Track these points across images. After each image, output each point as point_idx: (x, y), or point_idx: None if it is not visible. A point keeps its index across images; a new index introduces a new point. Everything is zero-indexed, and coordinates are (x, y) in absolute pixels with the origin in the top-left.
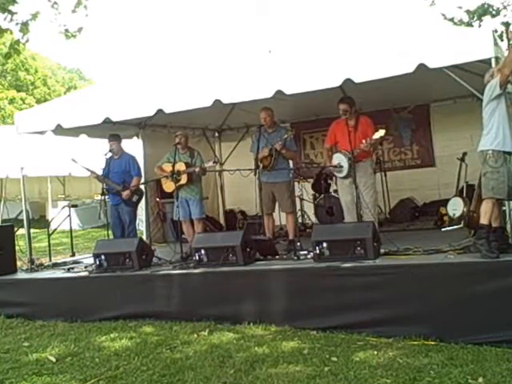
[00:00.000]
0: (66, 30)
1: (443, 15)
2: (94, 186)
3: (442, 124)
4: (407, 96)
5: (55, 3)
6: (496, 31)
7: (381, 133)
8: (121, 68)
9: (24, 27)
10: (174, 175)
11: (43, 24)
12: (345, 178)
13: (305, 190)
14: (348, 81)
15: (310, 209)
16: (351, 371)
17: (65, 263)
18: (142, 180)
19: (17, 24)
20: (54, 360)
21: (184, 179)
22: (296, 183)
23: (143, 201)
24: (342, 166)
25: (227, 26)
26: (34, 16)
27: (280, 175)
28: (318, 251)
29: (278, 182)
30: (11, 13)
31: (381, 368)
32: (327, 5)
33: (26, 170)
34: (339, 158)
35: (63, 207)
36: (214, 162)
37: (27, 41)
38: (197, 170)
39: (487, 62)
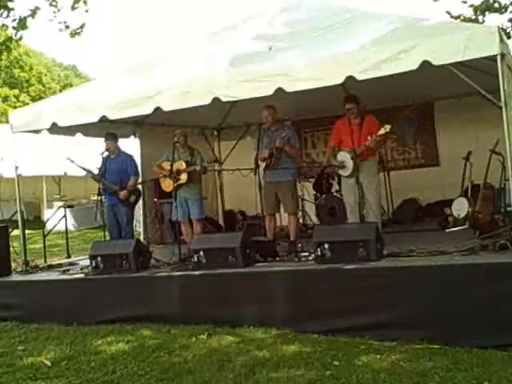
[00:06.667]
0: (67, 27)
1: (448, 13)
2: (89, 186)
3: (446, 122)
4: (411, 94)
5: (54, 0)
6: (503, 28)
7: (386, 128)
8: (118, 65)
9: (21, 24)
10: (173, 174)
11: (41, 21)
12: (349, 177)
13: (306, 190)
14: (350, 78)
15: (311, 209)
16: (353, 375)
17: (60, 265)
18: (140, 179)
19: (13, 20)
20: (49, 364)
21: (184, 178)
22: (297, 183)
23: (140, 201)
24: (344, 167)
25: (227, 22)
26: (33, 12)
27: (284, 174)
28: (319, 253)
29: (282, 181)
30: (8, 9)
31: (384, 372)
32: (329, 1)
33: (20, 169)
34: (344, 157)
35: (58, 208)
36: (215, 162)
37: (21, 38)
38: (197, 168)
39: (493, 58)
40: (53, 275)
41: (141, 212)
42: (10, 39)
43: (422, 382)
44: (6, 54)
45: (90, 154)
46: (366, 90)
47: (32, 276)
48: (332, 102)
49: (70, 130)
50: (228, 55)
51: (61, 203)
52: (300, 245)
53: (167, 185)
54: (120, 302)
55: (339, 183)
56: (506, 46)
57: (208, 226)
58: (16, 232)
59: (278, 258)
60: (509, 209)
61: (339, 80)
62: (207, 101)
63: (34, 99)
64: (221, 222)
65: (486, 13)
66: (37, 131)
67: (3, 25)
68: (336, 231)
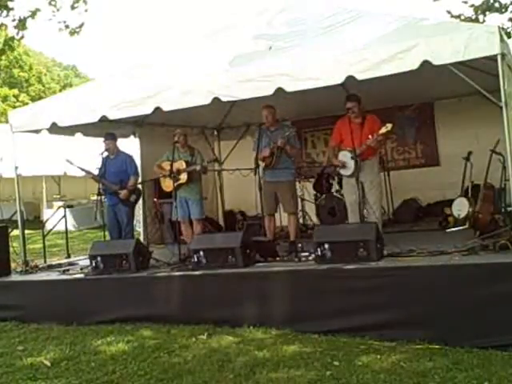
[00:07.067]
0: (67, 27)
1: (449, 12)
2: (89, 186)
3: (446, 122)
4: (411, 94)
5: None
6: (503, 27)
7: (388, 127)
8: (118, 64)
9: (21, 24)
10: (173, 174)
11: (40, 20)
12: (350, 176)
13: (306, 190)
14: (351, 78)
15: (311, 209)
16: (354, 376)
17: (60, 265)
18: (140, 179)
19: (13, 20)
20: (48, 364)
21: (184, 178)
22: (297, 183)
23: (140, 201)
24: (345, 167)
25: (227, 22)
26: (33, 13)
27: (283, 174)
28: (319, 253)
29: (282, 180)
30: (8, 8)
31: (384, 372)
32: (329, 1)
33: (20, 169)
34: (345, 156)
35: (58, 208)
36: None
37: (22, 37)
38: (198, 168)
39: (493, 58)
40: (52, 275)
41: (141, 212)
42: (12, 39)
43: (422, 382)
44: (8, 52)
45: (90, 154)
46: (366, 89)
47: (32, 276)
48: (332, 102)
49: (70, 130)
50: (228, 55)
51: (60, 203)
52: (300, 245)
53: (167, 185)
54: (120, 302)
55: (339, 183)
56: (506, 45)
57: (208, 226)
58: (16, 232)
59: (278, 258)
60: (509, 209)
61: (339, 80)
62: (207, 101)
63: (33, 99)
64: (221, 222)
65: (487, 12)
66: (36, 131)
67: (2, 24)
68: (336, 231)
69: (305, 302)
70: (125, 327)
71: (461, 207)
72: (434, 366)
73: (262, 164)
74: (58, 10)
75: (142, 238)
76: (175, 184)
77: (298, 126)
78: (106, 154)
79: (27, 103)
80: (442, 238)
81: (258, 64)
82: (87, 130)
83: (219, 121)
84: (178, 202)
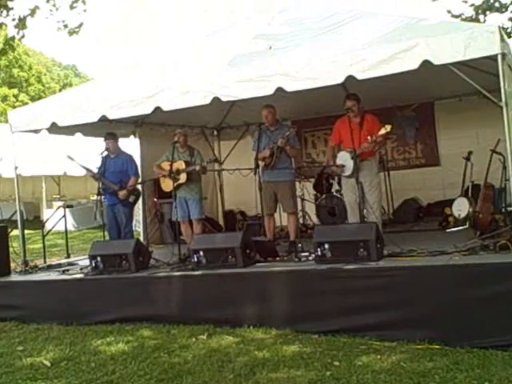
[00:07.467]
0: (65, 26)
1: (449, 12)
2: (89, 186)
3: (446, 122)
4: (411, 93)
5: None
6: (503, 27)
7: (387, 128)
8: (117, 65)
9: (21, 23)
10: (173, 174)
11: (39, 19)
12: (349, 177)
13: (306, 190)
14: (351, 78)
15: (311, 209)
16: (354, 376)
17: (60, 265)
18: (140, 179)
19: (13, 19)
20: (48, 364)
21: (183, 178)
22: (297, 183)
23: (140, 201)
24: (344, 166)
25: (227, 22)
26: (33, 12)
27: (283, 174)
28: (319, 253)
29: (281, 181)
30: (7, 8)
31: (384, 373)
32: (329, 1)
33: (20, 169)
34: (344, 157)
35: (58, 207)
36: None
37: (23, 36)
38: (197, 168)
39: (493, 58)
40: (52, 275)
41: (141, 212)
42: (12, 38)
43: (422, 382)
44: (10, 52)
45: (90, 154)
46: (366, 89)
47: (31, 276)
48: (332, 102)
49: (70, 130)
50: (228, 55)
51: (60, 203)
52: (300, 245)
53: (167, 185)
54: (120, 302)
55: (339, 183)
56: (506, 45)
57: (208, 226)
58: (15, 232)
59: (278, 258)
60: (509, 209)
61: (339, 80)
62: (207, 101)
63: (33, 99)
64: (221, 222)
65: (487, 12)
66: (36, 131)
67: (2, 24)
68: (336, 231)
69: (305, 301)
70: (125, 327)
71: (461, 207)
72: (434, 366)
73: (261, 164)
74: (56, 8)
75: (142, 238)
76: (175, 184)
77: (298, 125)
78: (105, 153)
79: (27, 103)
80: (442, 237)
81: (258, 64)
82: (87, 129)
83: (219, 121)
84: (177, 202)
